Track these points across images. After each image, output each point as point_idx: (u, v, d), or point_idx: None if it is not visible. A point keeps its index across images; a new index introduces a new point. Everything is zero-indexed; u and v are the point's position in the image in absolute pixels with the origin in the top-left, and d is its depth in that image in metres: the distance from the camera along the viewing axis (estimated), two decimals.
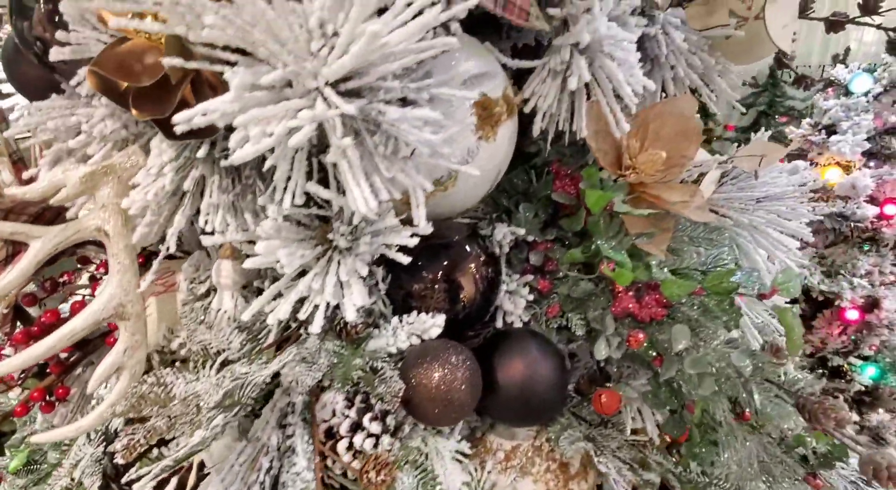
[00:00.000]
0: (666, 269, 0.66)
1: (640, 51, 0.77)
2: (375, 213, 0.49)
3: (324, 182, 0.47)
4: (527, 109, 0.66)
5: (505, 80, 0.64)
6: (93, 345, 0.71)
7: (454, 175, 0.61)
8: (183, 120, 0.37)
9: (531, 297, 0.71)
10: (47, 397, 0.67)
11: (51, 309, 0.65)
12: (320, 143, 0.46)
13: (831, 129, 1.72)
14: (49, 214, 0.62)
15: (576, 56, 0.61)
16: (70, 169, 0.52)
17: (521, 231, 0.70)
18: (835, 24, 0.91)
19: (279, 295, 0.51)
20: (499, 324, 0.71)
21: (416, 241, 0.50)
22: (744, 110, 0.83)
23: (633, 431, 0.74)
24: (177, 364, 0.53)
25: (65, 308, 0.74)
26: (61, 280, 0.68)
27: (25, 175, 0.60)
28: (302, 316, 0.48)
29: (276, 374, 0.57)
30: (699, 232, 0.72)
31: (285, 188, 0.44)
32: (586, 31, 0.58)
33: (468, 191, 0.64)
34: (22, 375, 0.66)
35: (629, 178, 0.70)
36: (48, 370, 0.66)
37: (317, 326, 0.46)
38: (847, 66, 1.75)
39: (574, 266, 0.70)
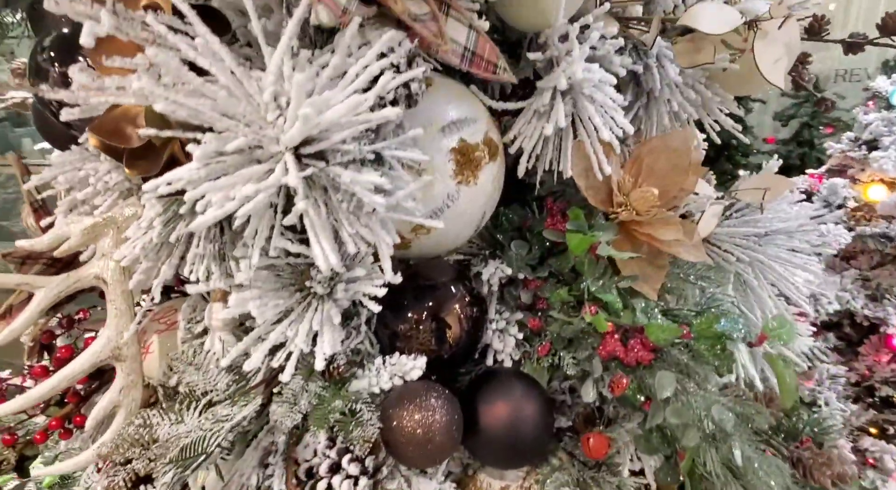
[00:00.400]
0: (657, 311, 0.64)
1: (636, 85, 0.77)
2: (342, 266, 0.51)
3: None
4: (512, 150, 0.67)
5: (487, 123, 0.64)
6: (108, 375, 0.76)
7: (436, 218, 0.62)
8: (150, 189, 0.40)
9: (520, 336, 0.71)
10: (66, 425, 0.72)
11: (65, 345, 0.70)
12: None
13: (872, 145, 1.62)
14: (66, 258, 0.67)
15: (557, 99, 0.61)
16: (74, 221, 0.56)
17: (509, 271, 0.70)
18: (853, 45, 0.87)
19: (262, 339, 0.53)
20: (489, 362, 0.71)
21: (383, 291, 0.52)
22: (746, 140, 0.80)
23: (634, 474, 0.72)
24: (163, 405, 0.56)
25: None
26: (77, 317, 0.73)
27: (44, 223, 0.65)
28: (275, 363, 0.50)
29: (260, 413, 0.59)
30: (697, 270, 0.70)
31: (255, 243, 0.46)
32: (563, 76, 0.59)
33: (453, 232, 0.65)
34: (43, 404, 0.72)
35: (621, 215, 0.69)
36: (66, 400, 0.71)
37: (287, 375, 0.48)
38: (890, 77, 1.64)
39: (565, 305, 0.69)
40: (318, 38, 0.54)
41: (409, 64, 0.47)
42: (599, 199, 0.70)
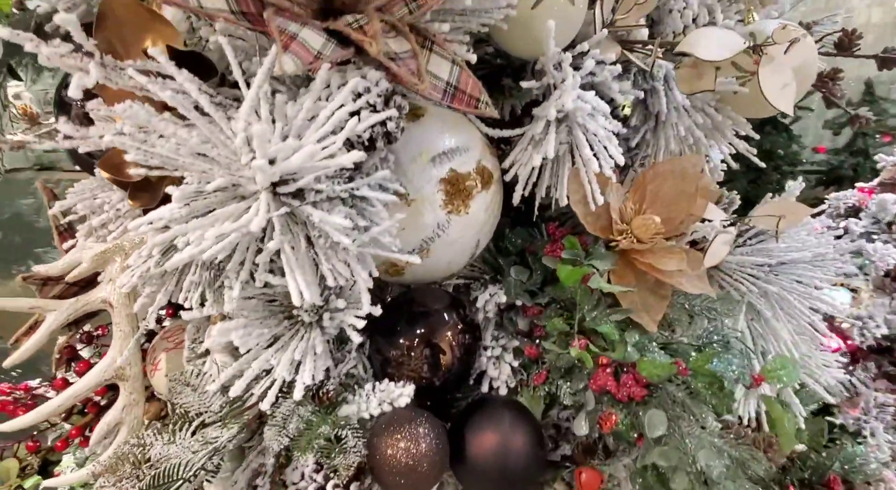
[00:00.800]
0: (655, 344, 0.62)
1: (644, 108, 0.75)
2: (321, 299, 0.52)
3: None
4: (507, 177, 0.67)
5: (482, 151, 0.64)
6: None
7: (427, 247, 0.62)
8: (133, 228, 0.43)
9: (516, 363, 0.70)
10: (85, 433, 0.76)
11: (84, 359, 0.75)
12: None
13: None
14: (85, 279, 0.71)
15: (550, 128, 0.60)
16: (86, 247, 0.60)
17: (503, 299, 0.69)
18: (886, 61, 0.81)
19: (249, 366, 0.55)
20: (484, 389, 0.71)
21: (362, 323, 0.52)
22: (761, 164, 0.76)
23: None
24: (159, 424, 0.59)
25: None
26: (96, 333, 0.78)
27: (66, 245, 0.70)
28: (259, 390, 0.51)
29: (254, 434, 0.61)
30: (702, 301, 0.68)
31: (237, 275, 0.48)
32: (554, 106, 0.58)
33: (446, 259, 0.65)
34: (66, 414, 0.77)
35: (621, 244, 0.67)
36: (86, 410, 0.76)
37: (267, 403, 0.50)
38: None
39: (562, 334, 0.68)
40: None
41: (386, 103, 0.47)
42: (599, 226, 0.68)
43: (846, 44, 0.85)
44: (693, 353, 0.61)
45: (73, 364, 0.82)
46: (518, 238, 0.79)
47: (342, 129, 0.43)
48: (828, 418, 1.50)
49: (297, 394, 0.50)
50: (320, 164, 0.38)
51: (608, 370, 0.60)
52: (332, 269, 0.48)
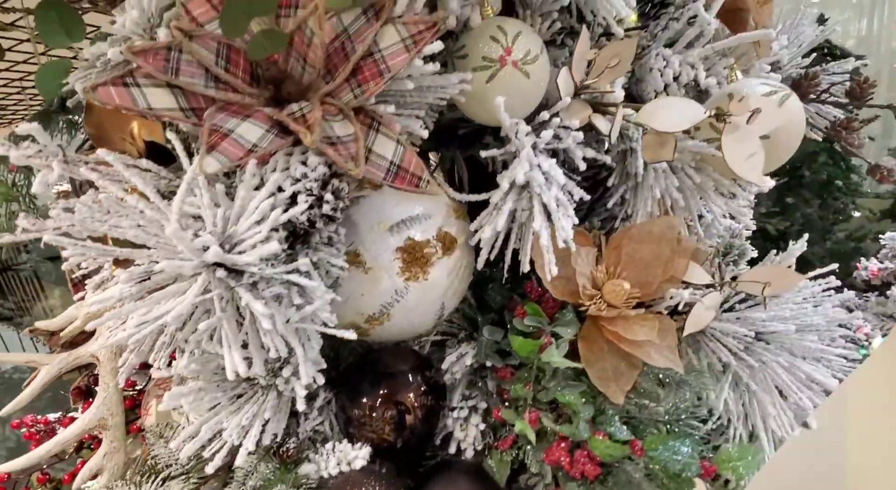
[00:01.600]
0: (618, 418, 0.60)
1: (622, 167, 0.74)
2: (263, 370, 0.54)
3: None
4: (472, 242, 0.67)
5: (445, 217, 0.65)
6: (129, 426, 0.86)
7: (387, 311, 0.64)
8: (93, 302, 0.47)
9: (482, 426, 0.69)
10: None
11: (88, 401, 0.82)
12: None
13: None
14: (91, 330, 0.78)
15: (509, 196, 0.61)
16: (82, 305, 0.66)
17: (470, 361, 0.69)
18: None
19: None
20: (451, 451, 0.70)
21: (304, 393, 0.54)
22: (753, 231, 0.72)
23: None
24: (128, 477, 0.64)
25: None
26: None
27: (76, 297, 0.77)
28: (206, 453, 0.54)
29: (225, 485, 0.64)
30: (674, 373, 0.65)
31: (187, 346, 0.52)
32: (507, 178, 0.58)
33: (407, 322, 0.66)
34: (76, 447, 0.84)
35: (589, 310, 0.66)
36: (92, 447, 0.83)
37: (212, 467, 0.53)
38: None
39: (525, 401, 0.67)
40: None
41: (324, 187, 0.50)
42: (568, 291, 0.67)
43: (857, 93, 0.80)
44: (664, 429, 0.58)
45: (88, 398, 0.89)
46: (497, 295, 0.79)
47: (276, 214, 0.46)
48: None
49: (240, 460, 0.52)
50: (231, 258, 0.41)
51: (563, 444, 0.59)
52: (271, 343, 0.50)
